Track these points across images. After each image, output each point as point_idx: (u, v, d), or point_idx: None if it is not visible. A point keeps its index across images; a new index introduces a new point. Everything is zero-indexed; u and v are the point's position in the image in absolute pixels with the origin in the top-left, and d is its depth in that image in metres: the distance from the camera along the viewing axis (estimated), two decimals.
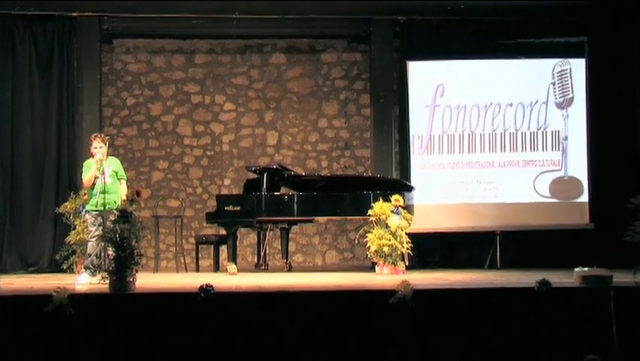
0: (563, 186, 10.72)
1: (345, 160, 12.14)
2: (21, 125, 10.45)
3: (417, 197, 10.22)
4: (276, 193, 9.86)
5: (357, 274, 9.46)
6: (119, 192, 8.31)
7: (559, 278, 7.14)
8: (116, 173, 8.38)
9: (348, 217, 10.52)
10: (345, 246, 12.07)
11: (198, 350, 6.26)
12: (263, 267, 10.42)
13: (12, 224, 10.32)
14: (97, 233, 8.08)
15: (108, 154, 8.45)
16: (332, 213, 10.00)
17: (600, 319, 6.47)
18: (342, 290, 7.11)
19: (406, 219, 9.26)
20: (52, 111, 10.51)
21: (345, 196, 9.60)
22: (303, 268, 11.02)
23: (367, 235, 9.29)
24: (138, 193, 7.55)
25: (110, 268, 6.89)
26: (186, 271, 10.32)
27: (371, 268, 9.66)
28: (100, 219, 8.12)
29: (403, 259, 9.19)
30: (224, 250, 10.30)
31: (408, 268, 9.34)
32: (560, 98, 10.82)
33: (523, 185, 10.70)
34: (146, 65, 12.02)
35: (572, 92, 10.82)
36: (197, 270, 10.36)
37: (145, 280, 7.68)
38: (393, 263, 9.08)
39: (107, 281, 6.90)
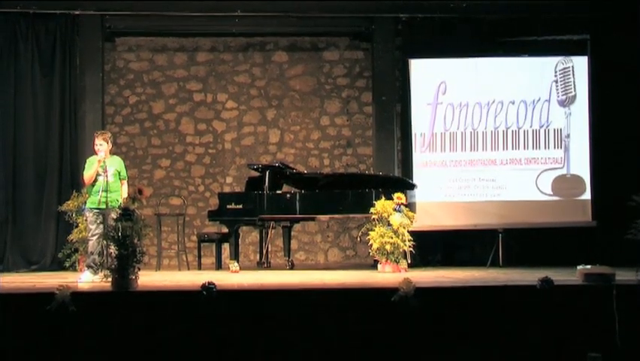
0: (565, 183, 10.71)
1: (347, 158, 12.14)
2: (23, 123, 10.44)
3: (419, 195, 10.23)
4: (278, 191, 9.87)
5: (360, 272, 9.46)
6: (120, 191, 8.32)
7: (561, 276, 7.16)
8: (119, 173, 8.37)
9: (351, 215, 10.50)
10: (347, 244, 12.07)
11: (200, 347, 6.27)
12: (265, 265, 10.43)
13: (15, 222, 10.32)
14: (97, 231, 8.09)
15: (111, 152, 8.46)
16: (334, 211, 9.99)
17: (602, 316, 6.47)
18: (344, 288, 7.12)
19: (408, 217, 9.26)
20: (54, 109, 10.51)
21: (347, 194, 9.61)
22: (305, 266, 11.02)
23: (369, 232, 9.29)
24: (140, 191, 7.54)
25: (113, 266, 6.91)
26: (188, 269, 10.32)
27: (373, 265, 9.66)
28: (101, 218, 8.13)
29: (405, 257, 9.19)
30: (226, 248, 10.30)
31: (410, 265, 9.34)
32: (562, 95, 10.81)
33: (525, 183, 10.68)
34: (148, 63, 12.02)
35: (575, 90, 10.81)
36: (200, 268, 10.36)
37: (147, 278, 7.69)
38: (395, 261, 9.08)
39: (110, 279, 6.93)
